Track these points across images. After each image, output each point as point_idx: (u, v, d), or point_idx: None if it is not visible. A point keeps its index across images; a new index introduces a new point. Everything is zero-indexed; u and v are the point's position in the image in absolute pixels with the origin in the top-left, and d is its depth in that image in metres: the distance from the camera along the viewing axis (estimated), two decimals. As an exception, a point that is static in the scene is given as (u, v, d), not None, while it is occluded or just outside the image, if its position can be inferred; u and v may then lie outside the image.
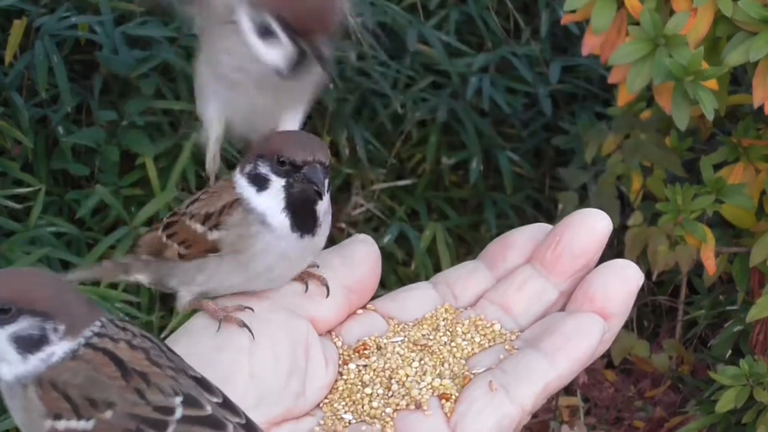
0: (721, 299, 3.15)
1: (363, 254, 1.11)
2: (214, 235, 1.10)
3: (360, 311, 1.10)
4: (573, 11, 2.27)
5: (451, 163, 3.53)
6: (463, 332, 1.07)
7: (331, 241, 3.31)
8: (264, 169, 1.07)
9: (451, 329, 1.08)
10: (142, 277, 1.18)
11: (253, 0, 1.12)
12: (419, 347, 1.06)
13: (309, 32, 1.09)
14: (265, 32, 1.11)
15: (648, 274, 2.85)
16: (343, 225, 3.53)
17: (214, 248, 1.10)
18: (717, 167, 2.62)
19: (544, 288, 1.10)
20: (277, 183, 1.07)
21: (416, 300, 1.12)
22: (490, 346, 1.06)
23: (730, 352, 3.01)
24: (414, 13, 3.64)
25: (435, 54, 3.52)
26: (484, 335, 1.07)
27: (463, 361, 1.05)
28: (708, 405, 2.79)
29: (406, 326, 1.09)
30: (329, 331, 1.09)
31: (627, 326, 3.17)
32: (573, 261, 1.09)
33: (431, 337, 1.07)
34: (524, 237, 1.14)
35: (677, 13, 2.17)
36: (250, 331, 1.01)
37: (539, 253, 1.12)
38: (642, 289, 3.42)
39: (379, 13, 3.53)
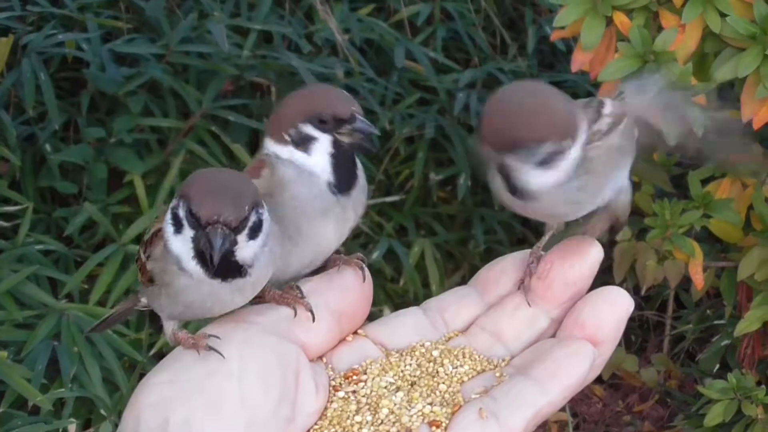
0: (709, 313, 3.16)
1: (353, 279, 1.10)
2: (149, 265, 1.09)
3: (350, 337, 1.09)
4: (562, 27, 2.27)
5: (439, 179, 3.53)
6: (453, 359, 1.07)
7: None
8: (181, 212, 1.04)
9: (441, 356, 1.07)
10: (144, 302, 1.18)
11: None
12: (409, 374, 1.06)
13: None
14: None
15: (636, 289, 2.85)
16: (332, 241, 3.52)
17: (151, 278, 1.10)
18: (704, 182, 2.63)
19: (535, 315, 1.10)
20: (188, 232, 1.04)
21: (407, 326, 1.11)
22: (480, 373, 1.06)
23: (717, 366, 3.02)
24: (401, 30, 3.66)
25: (422, 70, 3.53)
26: (475, 362, 1.07)
27: (453, 388, 1.04)
28: (696, 419, 2.79)
29: (396, 352, 1.09)
30: (320, 357, 1.08)
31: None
32: (564, 289, 1.09)
33: (422, 363, 1.07)
34: (515, 263, 1.14)
35: (666, 30, 2.18)
36: (220, 353, 0.99)
37: (531, 281, 1.12)
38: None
39: (367, 30, 3.55)
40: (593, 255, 1.11)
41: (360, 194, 1.15)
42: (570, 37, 2.30)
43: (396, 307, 3.44)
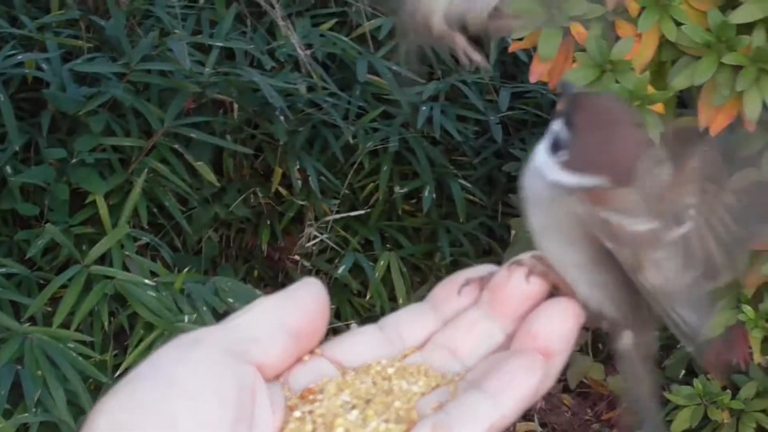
0: (675, 320, 3.16)
1: (309, 298, 1.08)
2: None
3: (307, 357, 1.08)
4: (521, 39, 2.27)
5: (403, 192, 3.54)
6: (409, 375, 1.06)
7: (285, 274, 3.33)
8: None
9: (397, 373, 1.07)
10: None
11: None
12: (365, 392, 1.05)
13: None
14: None
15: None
16: (297, 257, 3.52)
17: None
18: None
19: (490, 330, 1.10)
20: None
21: (363, 344, 1.10)
22: (435, 389, 1.06)
23: (683, 372, 3.03)
24: (364, 44, 3.65)
25: (385, 84, 3.53)
26: (430, 378, 1.05)
27: (408, 405, 1.03)
28: (664, 425, 2.80)
29: (353, 371, 1.08)
30: (276, 377, 1.07)
31: (582, 350, 3.19)
32: (520, 304, 1.09)
33: (377, 381, 1.06)
34: (471, 277, 1.14)
35: (622, 39, 2.18)
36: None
37: (486, 296, 1.12)
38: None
39: (329, 44, 3.55)
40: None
41: None
42: (530, 48, 2.30)
43: (363, 321, 3.44)
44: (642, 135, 1.01)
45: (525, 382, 0.97)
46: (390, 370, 1.05)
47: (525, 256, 1.12)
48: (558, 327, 1.01)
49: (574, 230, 1.04)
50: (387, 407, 1.02)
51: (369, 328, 1.11)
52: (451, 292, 1.12)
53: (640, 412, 1.23)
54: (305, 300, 1.07)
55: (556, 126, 1.00)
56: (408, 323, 1.09)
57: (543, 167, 1.02)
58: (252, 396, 0.99)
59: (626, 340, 1.15)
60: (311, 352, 1.06)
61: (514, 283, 1.08)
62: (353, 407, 1.02)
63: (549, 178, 1.01)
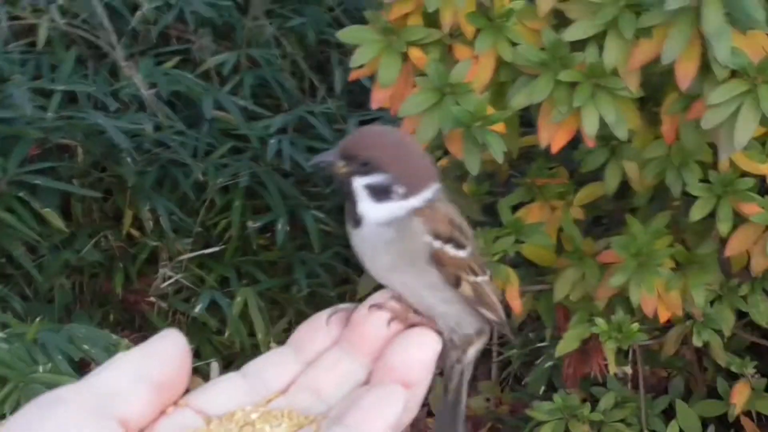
0: (531, 337, 3.20)
1: (170, 349, 1.07)
2: None
3: (171, 408, 1.07)
4: (361, 66, 2.29)
5: (257, 226, 3.52)
6: (272, 419, 1.06)
7: (142, 316, 3.27)
8: None
9: (261, 418, 1.06)
10: None
11: None
12: None
13: None
14: None
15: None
16: (153, 299, 3.47)
17: None
18: (516, 208, 2.68)
19: (352, 369, 1.10)
20: None
21: (227, 392, 1.09)
22: (299, 430, 1.06)
23: (544, 387, 3.06)
24: (209, 80, 3.64)
25: (232, 119, 3.52)
26: (293, 420, 1.06)
27: None
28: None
29: (217, 419, 1.08)
30: (141, 431, 1.06)
31: (443, 373, 3.19)
32: (379, 341, 1.09)
33: (242, 427, 1.06)
34: (330, 318, 1.14)
35: (460, 62, 2.21)
36: None
37: (347, 335, 1.12)
38: (440, 334, 3.48)
39: (174, 82, 3.52)
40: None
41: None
42: (371, 75, 2.31)
43: (223, 359, 3.41)
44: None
45: (385, 415, 0.97)
46: (254, 416, 1.04)
47: (384, 298, 1.13)
48: (415, 357, 1.03)
49: (416, 260, 1.13)
50: None
51: (232, 376, 1.09)
52: (311, 333, 1.12)
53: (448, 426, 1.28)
54: (166, 352, 1.05)
55: (360, 182, 1.11)
56: (270, 368, 1.09)
57: (377, 217, 1.11)
58: None
59: (471, 354, 1.20)
60: (175, 403, 1.04)
61: (373, 324, 1.09)
62: None
63: (385, 219, 1.11)
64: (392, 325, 1.07)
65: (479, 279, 1.19)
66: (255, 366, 1.12)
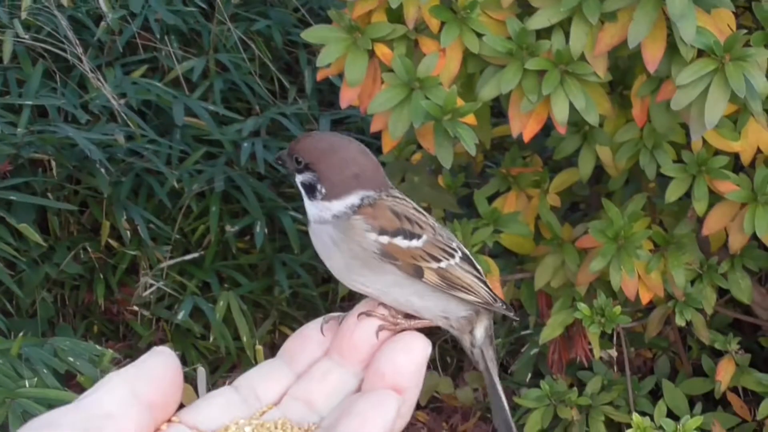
0: (515, 325, 3.21)
1: (161, 367, 1.06)
2: None
3: (165, 426, 1.07)
4: (327, 66, 2.27)
5: (235, 230, 3.52)
6: None
7: (126, 326, 3.26)
8: None
9: (254, 431, 1.07)
10: None
11: None
12: None
13: None
14: None
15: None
16: (136, 308, 3.47)
17: None
18: (492, 198, 2.68)
19: (344, 378, 1.10)
20: None
21: (219, 406, 1.08)
22: None
23: (530, 375, 3.07)
24: (178, 87, 3.63)
25: (204, 125, 3.51)
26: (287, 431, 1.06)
27: None
28: (517, 430, 2.82)
29: None
30: None
31: (429, 366, 3.20)
32: (369, 348, 1.09)
33: None
34: (320, 329, 1.14)
35: (427, 56, 2.20)
36: None
37: (336, 345, 1.12)
38: (439, 327, 3.49)
39: (143, 91, 3.52)
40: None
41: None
42: (338, 74, 2.30)
43: (210, 364, 3.41)
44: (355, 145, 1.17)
45: (378, 421, 0.97)
46: (247, 429, 1.04)
47: (372, 305, 1.14)
48: (405, 362, 1.03)
49: (368, 259, 1.14)
50: None
51: (224, 390, 1.09)
52: (301, 344, 1.12)
53: (494, 403, 1.28)
54: (157, 370, 1.03)
55: (299, 179, 1.15)
56: (262, 381, 1.10)
57: (316, 215, 1.14)
58: None
59: (481, 334, 1.21)
60: (168, 420, 1.04)
61: (363, 333, 1.09)
62: None
63: (318, 217, 1.14)
64: (381, 334, 1.07)
65: (444, 264, 1.18)
66: (247, 379, 1.12)
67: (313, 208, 1.15)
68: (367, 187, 1.15)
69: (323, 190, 1.13)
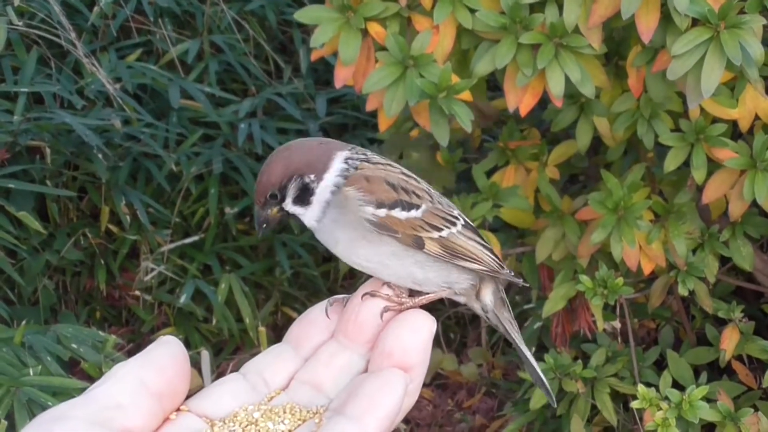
0: (518, 299, 3.20)
1: (168, 356, 1.06)
2: None
3: (174, 414, 1.07)
4: (321, 46, 2.27)
5: (234, 212, 3.52)
6: (275, 416, 1.05)
7: (128, 311, 3.26)
8: None
9: (263, 416, 1.05)
10: None
11: None
12: None
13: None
14: None
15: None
16: (138, 292, 3.47)
17: None
18: (490, 173, 2.68)
19: (350, 360, 1.10)
20: None
21: (228, 393, 1.09)
22: (302, 424, 1.05)
23: (534, 349, 3.06)
24: (173, 70, 3.62)
25: (201, 107, 3.50)
26: (296, 415, 1.05)
27: None
28: (523, 404, 2.84)
29: (220, 421, 1.07)
30: None
31: (433, 343, 3.20)
32: (375, 329, 1.09)
33: (246, 427, 1.06)
34: (324, 312, 1.14)
35: (420, 33, 2.19)
36: None
37: (342, 327, 1.12)
38: (443, 303, 3.48)
39: (138, 75, 3.50)
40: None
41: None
42: (332, 54, 2.29)
43: (213, 347, 3.41)
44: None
45: (387, 400, 0.99)
46: (256, 415, 1.05)
47: (377, 285, 1.14)
48: (411, 340, 1.04)
49: (366, 232, 1.15)
50: None
51: (232, 377, 1.11)
52: (306, 328, 1.12)
53: (520, 354, 1.28)
54: (164, 360, 1.04)
55: (288, 206, 1.17)
56: (270, 367, 1.11)
57: (317, 214, 1.16)
58: None
59: (489, 299, 1.22)
60: (177, 409, 1.05)
61: (368, 314, 1.09)
62: None
63: (323, 207, 1.15)
64: (386, 315, 1.08)
65: (445, 233, 1.18)
66: (254, 365, 1.12)
67: (310, 211, 1.15)
68: (339, 147, 1.16)
69: (311, 176, 1.14)
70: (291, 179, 1.14)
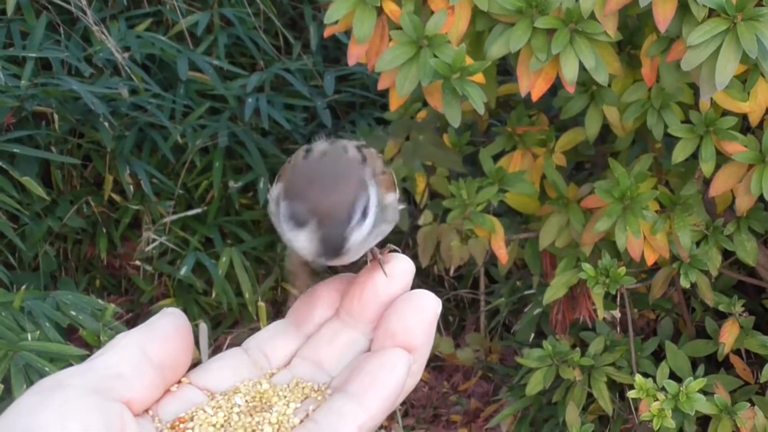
0: (519, 285, 3.21)
1: (171, 328, 1.05)
2: None
3: (175, 387, 1.06)
4: (335, 23, 2.24)
5: (238, 186, 3.52)
6: (277, 394, 1.06)
7: (128, 281, 3.27)
8: None
9: (265, 392, 1.06)
10: None
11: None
12: (236, 413, 1.03)
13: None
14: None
15: (447, 270, 2.86)
16: (138, 262, 3.47)
17: None
18: (497, 157, 2.67)
19: (353, 338, 1.08)
20: None
21: (229, 368, 1.07)
22: (304, 401, 1.05)
23: (533, 335, 3.07)
24: (182, 41, 3.60)
25: (208, 80, 3.49)
26: (297, 392, 1.05)
27: (279, 420, 1.04)
28: (519, 390, 2.84)
29: (221, 395, 1.07)
30: (146, 410, 1.05)
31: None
32: (379, 307, 1.07)
33: (247, 401, 1.05)
34: (329, 289, 1.13)
35: (436, 13, 2.18)
36: None
37: (346, 305, 1.10)
38: (443, 285, 3.48)
39: (147, 45, 3.49)
40: (403, 268, 1.09)
41: None
42: (345, 31, 2.28)
43: (212, 320, 3.41)
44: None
45: (389, 380, 0.97)
46: (257, 390, 1.04)
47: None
48: (415, 320, 1.02)
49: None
50: (258, 425, 1.00)
51: (234, 352, 1.09)
52: (310, 305, 1.11)
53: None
54: (167, 331, 1.03)
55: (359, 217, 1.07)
56: (271, 342, 1.09)
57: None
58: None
59: None
60: (178, 381, 1.04)
61: (371, 292, 1.06)
62: (224, 431, 1.00)
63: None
64: (393, 283, 1.06)
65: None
66: (256, 341, 1.10)
67: (369, 228, 1.08)
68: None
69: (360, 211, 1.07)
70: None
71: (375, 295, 1.07)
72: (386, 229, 1.12)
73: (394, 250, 1.12)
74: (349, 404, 0.97)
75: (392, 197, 1.15)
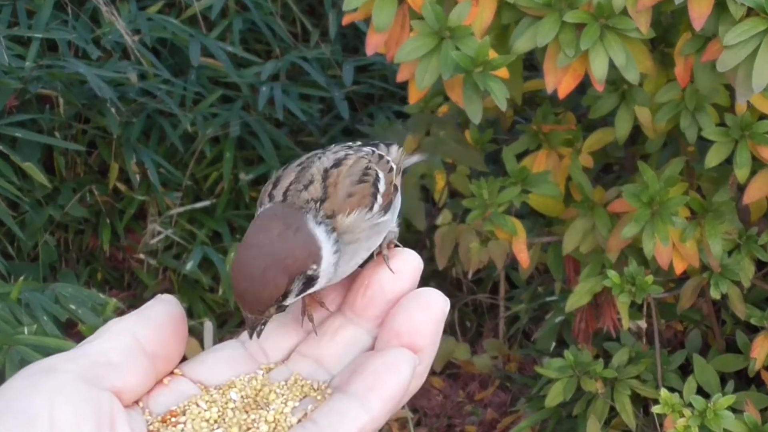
0: (540, 291, 3.18)
1: (165, 316, 1.04)
2: None
3: (167, 379, 1.03)
4: (354, 10, 2.21)
5: (249, 179, 3.46)
6: (274, 391, 1.02)
7: (131, 274, 3.19)
8: None
9: (261, 388, 1.03)
10: None
11: None
12: (231, 409, 1.01)
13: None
14: None
15: (465, 273, 2.81)
16: (142, 255, 3.41)
17: None
18: (521, 156, 2.63)
19: (356, 335, 1.06)
20: None
21: (225, 361, 1.06)
22: (303, 399, 1.01)
23: (554, 344, 3.03)
24: (195, 25, 3.55)
25: (221, 66, 3.43)
26: (295, 389, 1.02)
27: (275, 418, 1.00)
28: (538, 401, 2.79)
29: (215, 389, 1.03)
30: (136, 402, 1.01)
31: (447, 330, 3.15)
32: (384, 304, 1.05)
33: (242, 397, 1.02)
34: (333, 284, 1.10)
35: (459, 3, 2.13)
36: None
37: (350, 300, 1.08)
38: (461, 289, 3.40)
39: (159, 28, 3.44)
40: (410, 265, 1.06)
41: None
42: (365, 19, 2.25)
43: (218, 318, 3.38)
44: None
45: (393, 381, 0.95)
46: (253, 385, 1.02)
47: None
48: (422, 320, 1.00)
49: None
50: (254, 422, 0.99)
51: (230, 344, 1.08)
52: (311, 300, 1.08)
53: None
54: (160, 319, 1.02)
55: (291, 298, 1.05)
56: (271, 336, 1.08)
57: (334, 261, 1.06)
58: (111, 424, 0.95)
59: None
60: (171, 372, 1.03)
61: (377, 288, 1.05)
62: (218, 425, 1.00)
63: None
64: (399, 290, 1.03)
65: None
66: None
67: (318, 285, 1.06)
68: (293, 212, 1.08)
69: (313, 267, 1.05)
70: (293, 281, 1.04)
71: (380, 291, 1.06)
72: (376, 240, 1.10)
73: (397, 246, 1.11)
74: (350, 405, 0.96)
75: (366, 216, 1.09)
